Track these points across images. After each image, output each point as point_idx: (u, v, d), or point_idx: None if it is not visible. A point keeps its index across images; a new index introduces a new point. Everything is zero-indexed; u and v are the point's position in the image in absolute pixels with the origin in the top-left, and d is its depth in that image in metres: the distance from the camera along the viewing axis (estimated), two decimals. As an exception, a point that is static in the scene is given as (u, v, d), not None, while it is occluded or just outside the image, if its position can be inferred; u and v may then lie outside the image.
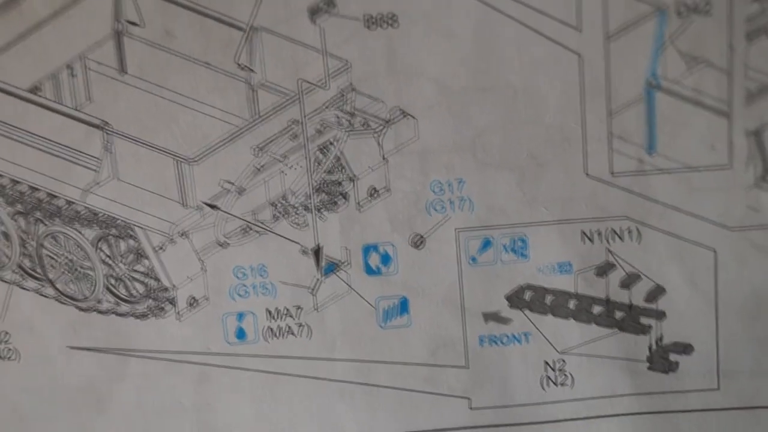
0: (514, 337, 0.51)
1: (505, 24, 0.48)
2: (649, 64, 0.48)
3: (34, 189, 0.49)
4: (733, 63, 0.48)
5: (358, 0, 0.48)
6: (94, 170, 0.49)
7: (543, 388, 0.51)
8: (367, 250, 0.50)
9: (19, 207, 0.49)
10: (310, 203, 0.49)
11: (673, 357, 0.51)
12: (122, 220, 0.50)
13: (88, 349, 0.51)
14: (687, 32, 0.47)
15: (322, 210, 0.50)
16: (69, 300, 0.50)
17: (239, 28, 0.48)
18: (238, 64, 0.48)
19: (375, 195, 0.49)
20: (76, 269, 0.50)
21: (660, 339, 0.51)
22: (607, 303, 0.51)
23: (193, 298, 0.50)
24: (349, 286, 0.50)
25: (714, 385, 0.51)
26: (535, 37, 0.48)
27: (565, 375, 0.51)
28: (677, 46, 0.48)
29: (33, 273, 0.50)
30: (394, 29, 0.48)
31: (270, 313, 0.51)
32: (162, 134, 0.49)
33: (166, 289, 0.50)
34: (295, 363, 0.52)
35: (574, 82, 0.48)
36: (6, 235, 0.50)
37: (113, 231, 0.50)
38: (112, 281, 0.50)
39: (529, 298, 0.51)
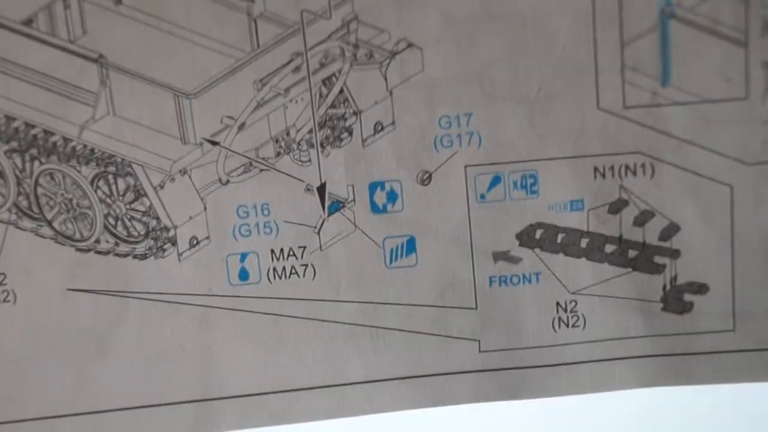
0: (524, 277, 0.50)
1: (514, -50, 0.46)
2: (663, -9, 0.46)
3: (29, 126, 0.47)
4: (749, -10, 0.46)
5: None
6: (91, 106, 0.47)
7: (554, 330, 0.50)
8: (373, 187, 0.49)
9: (14, 144, 0.48)
10: (314, 139, 0.48)
11: (687, 297, 0.50)
12: (120, 158, 0.48)
13: (87, 291, 0.49)
14: (702, -42, 0.46)
15: (326, 146, 0.48)
16: (67, 240, 0.49)
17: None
18: (239, -5, 0.46)
19: (380, 130, 0.48)
20: (74, 208, 0.49)
21: (674, 279, 0.49)
22: (620, 241, 0.49)
23: (195, 237, 0.49)
24: (355, 225, 0.49)
25: (729, 326, 0.50)
26: (544, -37, 0.46)
27: (577, 316, 0.50)
28: (692, -28, 0.46)
29: (29, 213, 0.49)
30: (398, -44, 0.46)
31: (273, 253, 0.49)
32: (160, 68, 0.48)
33: (166, 229, 0.49)
34: (299, 304, 0.50)
35: (586, 10, 0.47)
36: (1, 174, 0.48)
37: (111, 169, 0.48)
38: (111, 221, 0.49)
39: (539, 237, 0.49)
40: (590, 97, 0.48)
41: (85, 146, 0.48)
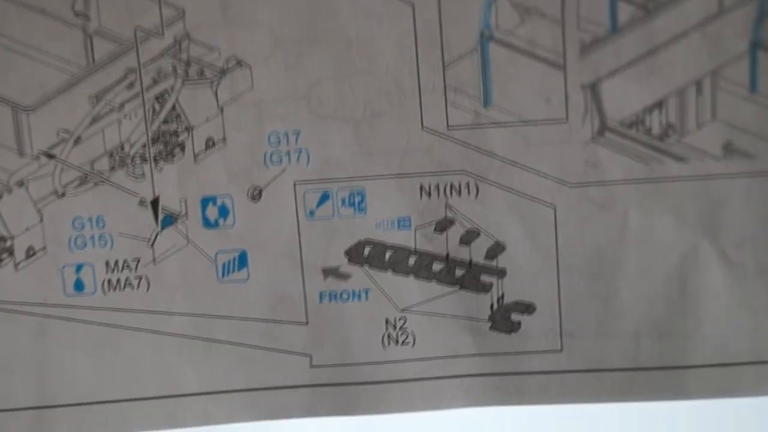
0: (353, 293, 0.51)
1: (338, -28, 0.47)
2: (481, 14, 0.47)
3: None
4: (564, 14, 0.47)
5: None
6: (-69, 118, 0.48)
7: (384, 347, 0.51)
8: (205, 202, 0.50)
9: None
10: (148, 153, 0.49)
11: (514, 317, 0.50)
12: (-41, 169, 0.49)
13: (-75, 298, 0.50)
14: (519, -18, 0.47)
15: (159, 160, 0.49)
16: None
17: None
18: (75, 12, 0.48)
19: (211, 146, 0.49)
20: None
21: (501, 298, 0.50)
22: (447, 260, 0.50)
23: (32, 248, 0.50)
24: (187, 239, 0.50)
25: (557, 347, 0.50)
26: (367, -14, 0.47)
27: (406, 333, 0.50)
28: (509, -4, 0.47)
29: None
30: (227, -24, 0.47)
31: (108, 264, 0.50)
32: (-1, 82, 0.48)
33: (3, 239, 0.50)
34: (133, 316, 0.51)
35: (408, 32, 0.48)
36: None
37: (-49, 179, 0.49)
38: (-50, 230, 0.50)
39: (368, 254, 0.50)
40: (414, 116, 0.49)
41: (-75, 158, 0.49)
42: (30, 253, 0.51)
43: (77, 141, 0.49)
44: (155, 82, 0.49)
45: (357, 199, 0.50)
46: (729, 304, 0.50)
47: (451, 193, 0.49)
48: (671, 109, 0.48)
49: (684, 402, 0.51)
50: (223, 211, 0.50)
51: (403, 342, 0.51)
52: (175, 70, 0.49)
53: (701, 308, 0.50)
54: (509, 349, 0.51)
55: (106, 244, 0.51)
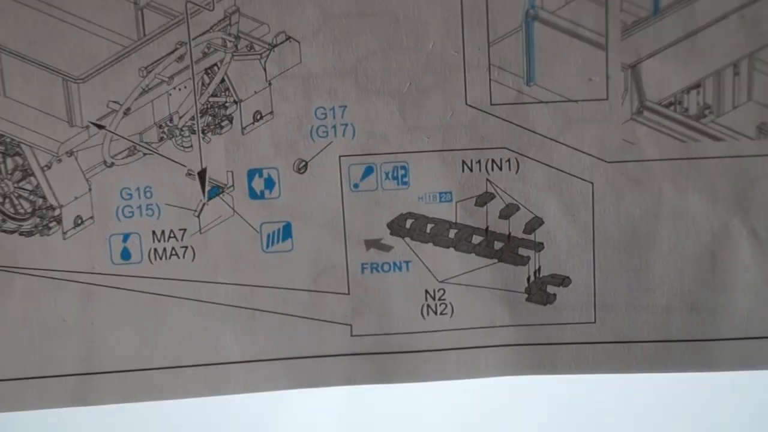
0: (395, 264, 0.52)
1: (386, -52, 0.48)
2: (527, -7, 0.48)
3: None
4: (608, -5, 0.48)
5: None
6: (-18, 87, 0.49)
7: (423, 317, 0.52)
8: (252, 174, 0.51)
9: None
10: (196, 125, 0.50)
11: (550, 289, 0.52)
12: (10, 137, 0.50)
13: (-27, 265, 0.51)
14: (564, -37, 0.48)
15: (207, 132, 0.50)
16: (-44, 216, 0.51)
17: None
18: (127, -15, 0.49)
19: (259, 119, 0.50)
20: (-37, 185, 0.51)
21: (538, 270, 0.51)
22: (487, 233, 0.51)
23: (80, 217, 0.51)
24: (233, 210, 0.51)
25: (591, 319, 0.52)
26: (416, -39, 0.49)
27: (445, 304, 0.52)
28: (555, -24, 0.48)
29: None
30: (278, -49, 0.48)
31: (155, 234, 0.51)
32: (50, 52, 0.50)
33: (52, 208, 0.51)
34: (178, 285, 0.52)
35: (455, 9, 0.49)
36: None
37: (1, 148, 0.50)
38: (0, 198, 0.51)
39: (410, 226, 0.51)
40: (459, 92, 0.50)
41: (-25, 126, 0.50)
42: (78, 222, 0.51)
43: (127, 112, 0.50)
44: (205, 55, 0.50)
45: (400, 173, 0.51)
46: (758, 280, 0.51)
47: (492, 168, 0.51)
48: (708, 90, 0.50)
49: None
50: (269, 183, 0.51)
51: (441, 312, 0.52)
52: (224, 43, 0.50)
53: (731, 283, 0.52)
54: (544, 321, 0.52)
55: (153, 214, 0.52)
